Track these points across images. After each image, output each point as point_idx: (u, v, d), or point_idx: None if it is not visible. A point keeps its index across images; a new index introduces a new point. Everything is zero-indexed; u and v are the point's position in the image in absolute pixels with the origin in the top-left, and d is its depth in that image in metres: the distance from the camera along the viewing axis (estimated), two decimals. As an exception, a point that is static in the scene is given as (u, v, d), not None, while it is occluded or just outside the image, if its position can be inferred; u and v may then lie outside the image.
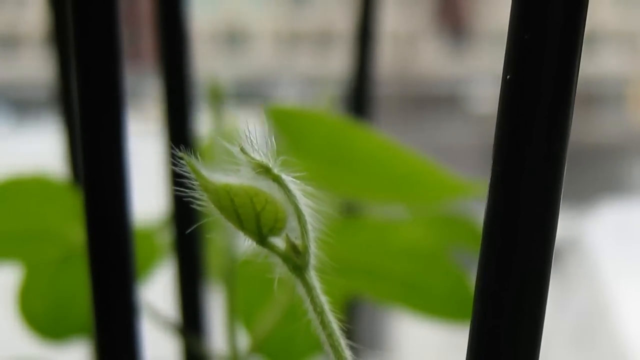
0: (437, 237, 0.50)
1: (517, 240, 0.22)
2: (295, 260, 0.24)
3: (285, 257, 0.24)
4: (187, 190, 0.24)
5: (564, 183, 0.22)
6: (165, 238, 0.48)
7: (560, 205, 0.22)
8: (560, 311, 1.30)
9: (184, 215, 0.45)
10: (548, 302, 0.23)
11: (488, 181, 0.23)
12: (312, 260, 0.24)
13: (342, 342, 0.24)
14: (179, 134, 0.44)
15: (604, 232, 1.35)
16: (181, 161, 0.23)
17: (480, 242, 0.23)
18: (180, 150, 0.23)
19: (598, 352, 1.18)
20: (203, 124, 0.48)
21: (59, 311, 0.48)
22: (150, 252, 0.49)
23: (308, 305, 0.24)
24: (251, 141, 0.23)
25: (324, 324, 0.24)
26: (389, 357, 1.69)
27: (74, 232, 0.45)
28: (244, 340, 0.47)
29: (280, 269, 0.24)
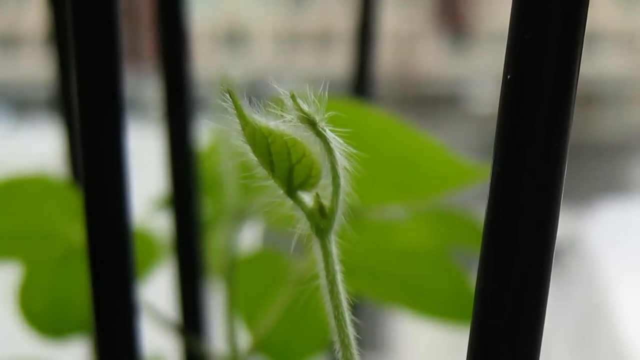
0: (437, 235, 0.50)
1: (517, 240, 0.22)
2: (320, 221, 0.23)
3: (310, 215, 0.23)
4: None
5: (564, 183, 0.22)
6: (165, 237, 0.48)
7: (560, 205, 0.22)
8: (560, 311, 1.30)
9: (184, 213, 0.45)
10: (548, 302, 0.23)
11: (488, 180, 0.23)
12: (336, 225, 0.23)
13: (347, 316, 0.23)
14: (179, 134, 0.44)
15: (604, 232, 1.35)
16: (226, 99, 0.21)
17: (480, 239, 0.23)
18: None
19: (598, 352, 1.18)
20: (203, 124, 0.47)
21: (58, 310, 0.48)
22: (150, 251, 0.49)
23: (321, 270, 0.23)
24: (301, 96, 0.22)
25: (333, 293, 0.22)
26: (389, 357, 1.69)
27: (74, 231, 0.45)
28: (244, 339, 0.47)
29: (301, 227, 0.23)
